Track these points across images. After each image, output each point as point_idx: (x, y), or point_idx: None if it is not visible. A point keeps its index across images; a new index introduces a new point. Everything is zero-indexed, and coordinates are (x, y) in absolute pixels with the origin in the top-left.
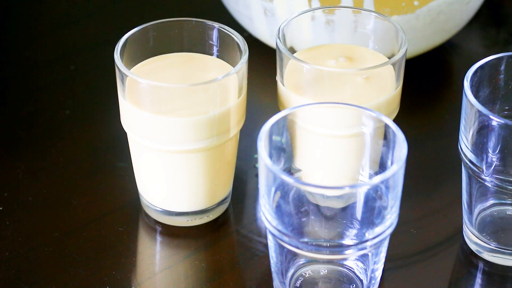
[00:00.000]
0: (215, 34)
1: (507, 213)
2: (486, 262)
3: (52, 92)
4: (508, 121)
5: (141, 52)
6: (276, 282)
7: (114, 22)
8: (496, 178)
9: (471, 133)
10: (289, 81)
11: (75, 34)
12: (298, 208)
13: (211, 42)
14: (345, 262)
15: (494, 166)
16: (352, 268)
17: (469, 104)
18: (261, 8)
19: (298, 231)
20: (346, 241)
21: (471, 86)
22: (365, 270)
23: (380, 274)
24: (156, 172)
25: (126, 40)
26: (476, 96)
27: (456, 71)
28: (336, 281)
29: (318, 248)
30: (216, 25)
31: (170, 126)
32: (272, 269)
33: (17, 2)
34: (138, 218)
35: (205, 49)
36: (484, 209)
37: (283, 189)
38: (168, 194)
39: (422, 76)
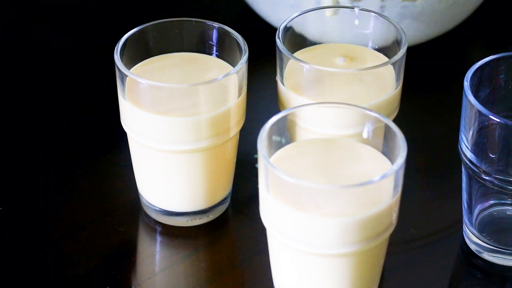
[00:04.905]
0: (215, 34)
1: (507, 213)
2: (486, 262)
3: (52, 92)
4: (508, 121)
5: (141, 52)
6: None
7: (114, 22)
8: (496, 178)
9: (471, 133)
10: (289, 81)
11: (75, 34)
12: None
13: (211, 42)
14: None
15: (494, 166)
16: None
17: (469, 104)
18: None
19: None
20: None
21: (471, 86)
22: None
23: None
24: (156, 172)
25: (126, 40)
26: (476, 96)
27: (456, 71)
28: None
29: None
30: (216, 25)
31: (170, 126)
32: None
33: (16, 2)
34: (138, 218)
35: (205, 49)
36: (484, 209)
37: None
38: (168, 194)
39: (422, 76)
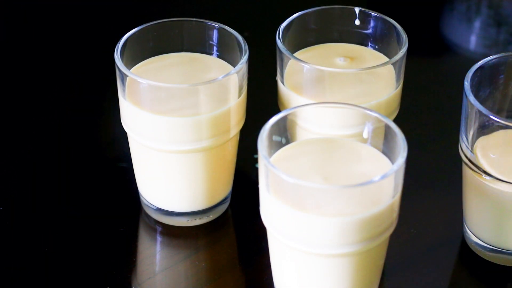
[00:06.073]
0: (215, 34)
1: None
2: (486, 262)
3: (52, 92)
4: (508, 121)
5: (141, 52)
6: None
7: (114, 22)
8: (496, 178)
9: (471, 133)
10: (289, 81)
11: (75, 34)
12: None
13: (211, 42)
14: None
15: (494, 166)
16: None
17: (469, 104)
18: None
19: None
20: None
21: (471, 86)
22: None
23: None
24: (156, 172)
25: (126, 40)
26: (476, 96)
27: (456, 71)
28: None
29: None
30: (216, 25)
31: (170, 126)
32: None
33: (16, 2)
34: (138, 218)
35: (205, 49)
36: (485, 209)
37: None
38: (168, 194)
39: (422, 76)
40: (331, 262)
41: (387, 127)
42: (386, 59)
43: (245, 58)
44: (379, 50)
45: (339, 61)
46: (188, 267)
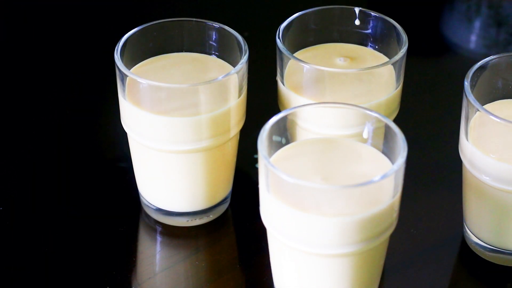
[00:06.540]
0: (215, 34)
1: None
2: (486, 262)
3: (52, 92)
4: (508, 121)
5: (141, 52)
6: None
7: (114, 22)
8: (496, 178)
9: (471, 133)
10: (289, 81)
11: (75, 34)
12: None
13: (211, 42)
14: None
15: (494, 166)
16: None
17: (469, 104)
18: None
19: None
20: None
21: (471, 86)
22: None
23: None
24: (156, 172)
25: (126, 40)
26: (476, 96)
27: (456, 71)
28: None
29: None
30: (216, 25)
31: (170, 126)
32: None
33: (16, 2)
34: (138, 218)
35: (205, 49)
36: (484, 209)
37: None
38: (168, 194)
39: (422, 76)
40: (331, 262)
41: (387, 127)
42: (386, 59)
43: (245, 58)
44: (379, 50)
45: (339, 61)
46: (188, 267)
